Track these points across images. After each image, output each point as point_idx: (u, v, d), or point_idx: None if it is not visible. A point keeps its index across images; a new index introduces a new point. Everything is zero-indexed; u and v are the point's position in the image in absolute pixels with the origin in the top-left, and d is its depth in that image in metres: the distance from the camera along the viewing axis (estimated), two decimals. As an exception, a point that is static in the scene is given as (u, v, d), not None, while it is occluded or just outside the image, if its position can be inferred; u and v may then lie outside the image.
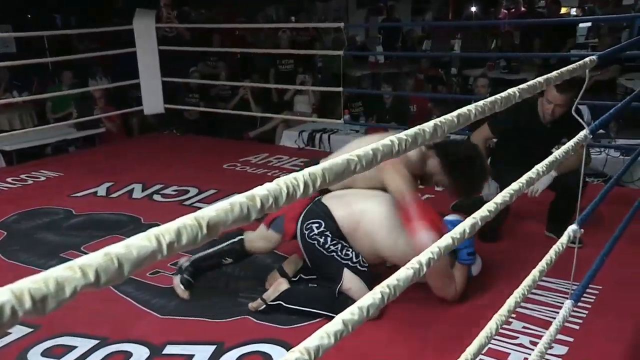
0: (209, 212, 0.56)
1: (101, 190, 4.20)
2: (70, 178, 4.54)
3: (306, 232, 2.46)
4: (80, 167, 4.88)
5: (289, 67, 6.81)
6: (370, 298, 0.82)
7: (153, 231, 0.51)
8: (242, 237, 2.68)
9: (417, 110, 5.94)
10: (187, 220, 0.54)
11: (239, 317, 2.46)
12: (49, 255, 3.09)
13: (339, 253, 2.41)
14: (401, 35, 9.67)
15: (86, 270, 0.45)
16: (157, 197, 4.04)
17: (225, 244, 2.68)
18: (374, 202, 2.46)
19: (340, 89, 5.08)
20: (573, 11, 12.23)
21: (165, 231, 0.52)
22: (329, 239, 2.41)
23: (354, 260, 2.41)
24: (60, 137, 5.56)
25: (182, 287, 2.64)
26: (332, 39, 8.47)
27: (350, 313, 0.78)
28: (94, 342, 2.29)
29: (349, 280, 2.39)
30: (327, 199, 2.52)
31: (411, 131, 0.88)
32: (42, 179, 4.56)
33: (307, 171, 0.68)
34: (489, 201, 1.09)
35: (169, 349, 2.24)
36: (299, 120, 5.89)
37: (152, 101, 5.69)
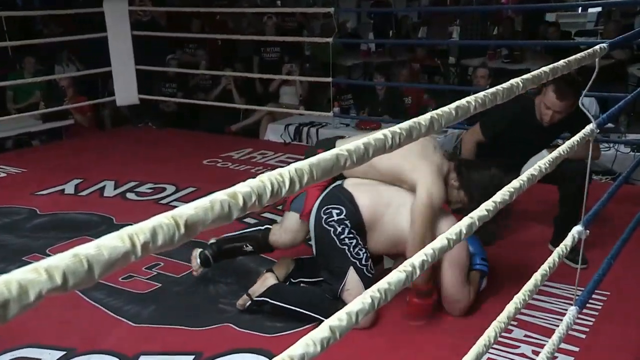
0: (187, 210, 0.56)
1: (69, 188, 4.17)
2: (34, 174, 4.51)
3: (324, 217, 2.44)
4: (46, 162, 4.84)
5: (275, 56, 6.79)
6: (360, 303, 0.82)
7: (126, 231, 0.51)
8: (269, 226, 2.71)
9: (413, 102, 5.96)
10: (163, 219, 0.54)
11: (219, 325, 2.46)
12: (10, 259, 3.06)
13: (351, 249, 2.41)
14: (395, 22, 9.69)
15: (52, 272, 0.45)
16: (130, 196, 4.02)
17: (252, 229, 2.73)
18: (401, 192, 2.46)
19: (330, 79, 5.08)
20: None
21: (140, 231, 0.52)
22: (346, 230, 2.41)
23: (363, 262, 2.42)
24: (22, 130, 5.50)
25: (198, 260, 2.70)
26: (321, 26, 8.47)
27: (337, 319, 0.78)
28: (60, 353, 2.28)
29: (352, 282, 2.40)
30: (349, 186, 2.51)
31: (406, 124, 0.88)
32: (2, 175, 4.52)
33: (293, 167, 0.68)
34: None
35: (143, 360, 2.24)
36: (285, 113, 5.89)
37: (126, 91, 5.65)
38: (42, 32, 7.30)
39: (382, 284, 0.86)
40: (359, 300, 0.82)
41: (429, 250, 0.97)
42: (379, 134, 0.83)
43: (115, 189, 4.14)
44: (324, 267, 2.54)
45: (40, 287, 0.44)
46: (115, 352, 2.28)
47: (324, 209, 2.46)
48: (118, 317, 2.54)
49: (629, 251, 2.80)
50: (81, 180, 4.30)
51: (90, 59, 6.29)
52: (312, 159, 0.72)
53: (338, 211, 2.43)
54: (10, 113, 5.91)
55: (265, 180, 0.64)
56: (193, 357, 2.24)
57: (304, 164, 0.70)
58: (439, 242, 1.00)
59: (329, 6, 7.18)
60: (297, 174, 0.68)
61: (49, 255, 2.75)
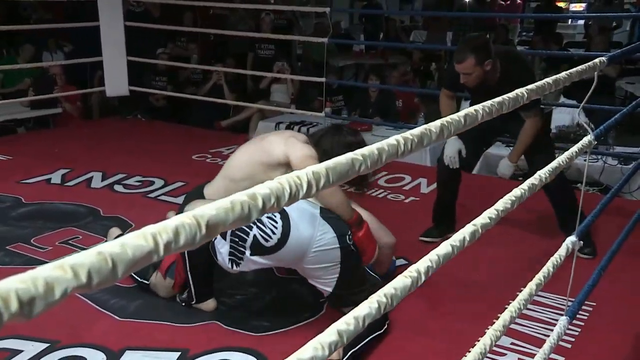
0: (209, 210, 0.56)
1: (55, 178, 4.12)
2: (20, 162, 4.45)
3: (350, 243, 2.38)
4: (32, 150, 4.79)
5: (269, 53, 6.77)
6: (367, 307, 0.82)
7: (149, 230, 0.51)
8: (147, 282, 2.66)
9: (403, 105, 5.97)
10: (185, 219, 0.53)
11: (206, 322, 2.45)
12: (-5, 247, 3.02)
13: None
14: (384, 24, 9.70)
15: (78, 270, 0.45)
16: (118, 188, 3.98)
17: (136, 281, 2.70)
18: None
19: (323, 79, 5.08)
20: (574, 7, 12.39)
21: (163, 230, 0.51)
22: None
23: None
24: (8, 116, 5.42)
25: None
26: (315, 25, 8.46)
27: (345, 323, 0.79)
28: (43, 345, 2.25)
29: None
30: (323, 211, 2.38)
31: (417, 131, 0.89)
32: (-12, 161, 4.47)
33: (310, 170, 0.68)
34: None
35: (128, 356, 2.22)
36: (276, 111, 5.87)
37: (116, 82, 5.60)
38: (30, 18, 7.21)
39: (389, 289, 0.86)
40: (366, 304, 0.82)
41: (433, 256, 0.97)
42: (391, 140, 0.83)
43: (102, 180, 4.10)
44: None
45: (66, 284, 0.43)
46: (100, 346, 2.26)
47: (342, 235, 2.34)
48: (104, 310, 2.52)
49: (615, 262, 2.84)
50: (68, 170, 4.25)
51: (80, 48, 6.22)
52: (328, 163, 0.72)
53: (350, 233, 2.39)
54: (-4, 97, 5.83)
55: (283, 182, 0.64)
56: (179, 353, 2.23)
57: (320, 167, 0.70)
58: (444, 248, 1.00)
59: (323, 5, 7.17)
60: (314, 177, 0.68)
61: (34, 245, 2.73)
